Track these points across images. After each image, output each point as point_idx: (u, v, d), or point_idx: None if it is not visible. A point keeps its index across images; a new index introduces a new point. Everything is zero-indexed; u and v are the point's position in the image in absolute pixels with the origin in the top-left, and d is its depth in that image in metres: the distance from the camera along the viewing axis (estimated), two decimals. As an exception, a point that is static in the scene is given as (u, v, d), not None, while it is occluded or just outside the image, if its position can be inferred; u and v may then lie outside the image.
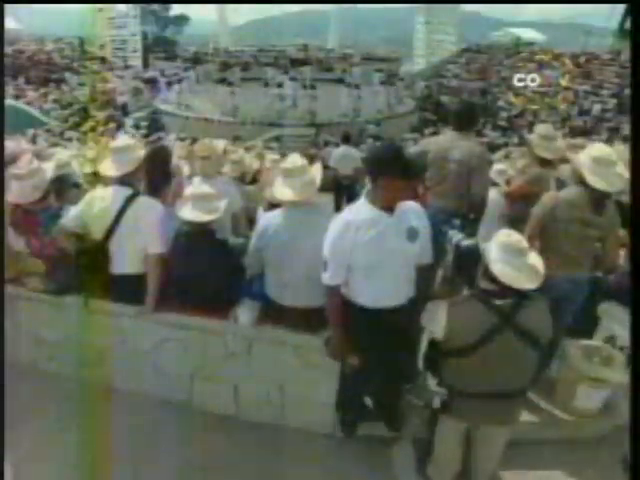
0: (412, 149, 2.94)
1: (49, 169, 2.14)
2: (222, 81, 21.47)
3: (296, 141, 12.95)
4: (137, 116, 17.25)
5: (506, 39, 29.57)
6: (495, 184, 3.39)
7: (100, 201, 2.00)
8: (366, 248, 1.62)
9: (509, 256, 1.44)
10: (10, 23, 24.68)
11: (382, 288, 1.70)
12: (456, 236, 1.67)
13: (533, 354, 1.51)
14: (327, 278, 1.70)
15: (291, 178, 1.90)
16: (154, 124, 15.62)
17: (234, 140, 13.55)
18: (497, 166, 3.45)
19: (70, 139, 11.00)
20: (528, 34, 29.15)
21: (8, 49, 21.77)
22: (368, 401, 2.24)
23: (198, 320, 2.13)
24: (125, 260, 2.06)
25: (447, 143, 2.59)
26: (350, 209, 1.70)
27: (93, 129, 12.98)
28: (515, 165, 4.53)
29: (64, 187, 2.46)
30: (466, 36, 32.82)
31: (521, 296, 1.46)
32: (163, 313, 2.15)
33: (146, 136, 15.26)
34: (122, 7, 28.46)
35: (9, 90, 16.84)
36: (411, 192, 1.62)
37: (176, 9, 38.79)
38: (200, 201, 1.99)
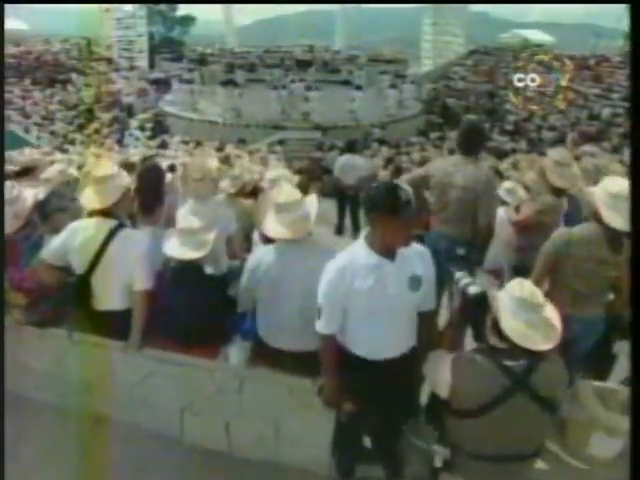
0: (414, 173, 2.80)
1: (30, 197, 2.02)
2: (228, 82, 21.48)
3: (300, 144, 12.86)
4: (142, 117, 17.22)
5: (514, 41, 29.27)
6: (504, 202, 3.26)
7: (83, 232, 1.88)
8: (364, 296, 1.49)
9: (522, 311, 1.30)
10: (17, 23, 24.79)
11: (381, 338, 1.57)
12: (463, 279, 1.54)
13: (547, 416, 1.37)
14: (321, 326, 1.57)
15: (284, 213, 1.77)
16: (158, 126, 15.58)
17: (238, 143, 13.52)
18: (506, 184, 3.30)
19: (73, 142, 10.96)
20: (536, 36, 28.82)
21: (15, 50, 21.88)
22: (366, 441, 2.11)
23: (186, 357, 2.01)
24: (109, 296, 1.94)
25: (451, 167, 2.45)
26: (348, 252, 1.57)
27: (97, 131, 12.95)
28: (523, 178, 4.37)
29: (49, 212, 2.36)
30: (474, 37, 32.50)
31: (535, 356, 1.32)
32: (149, 349, 2.03)
33: (150, 138, 15.27)
34: (129, 7, 28.52)
35: (15, 91, 16.89)
36: (409, 232, 1.49)
37: (182, 10, 38.72)
38: (187, 236, 1.86)
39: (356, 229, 5.62)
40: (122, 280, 1.90)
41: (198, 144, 12.02)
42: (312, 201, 1.93)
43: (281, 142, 12.24)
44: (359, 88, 14.30)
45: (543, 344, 1.29)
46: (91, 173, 1.89)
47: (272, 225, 1.79)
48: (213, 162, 2.98)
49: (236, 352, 1.93)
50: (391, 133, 14.29)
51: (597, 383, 2.12)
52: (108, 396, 2.36)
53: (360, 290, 1.48)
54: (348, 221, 6.05)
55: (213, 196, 2.69)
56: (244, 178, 3.37)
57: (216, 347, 2.00)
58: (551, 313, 1.36)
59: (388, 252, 1.49)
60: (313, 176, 11.05)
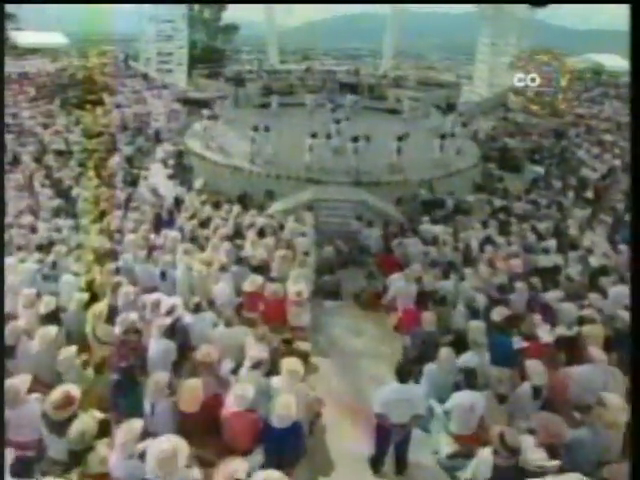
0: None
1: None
2: (263, 106, 19.97)
3: (337, 208, 10.95)
4: (167, 150, 15.93)
5: (585, 65, 26.10)
6: None
7: None
8: None
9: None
10: (57, 37, 24.35)
11: None
12: None
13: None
14: None
15: None
16: (181, 166, 14.14)
17: (266, 195, 11.84)
18: None
19: (75, 200, 9.55)
20: (612, 61, 25.49)
21: (51, 67, 21.28)
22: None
23: None
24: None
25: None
26: None
27: (110, 177, 11.59)
28: None
29: None
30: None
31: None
32: None
33: (171, 177, 13.87)
34: (169, 17, 27.50)
35: (39, 117, 15.97)
36: None
37: (226, 19, 37.68)
38: None
39: (400, 469, 3.70)
40: None
41: (216, 205, 10.38)
42: None
43: (310, 207, 10.34)
44: (400, 139, 12.26)
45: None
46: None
47: None
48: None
49: None
50: (442, 191, 12.14)
51: None
52: None
53: None
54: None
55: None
56: None
57: None
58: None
59: None
60: (347, 259, 9.17)
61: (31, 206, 9.18)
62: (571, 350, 4.71)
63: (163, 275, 6.30)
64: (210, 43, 37.06)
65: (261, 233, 8.39)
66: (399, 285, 6.20)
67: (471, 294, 6.11)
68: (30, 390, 3.70)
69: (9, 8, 25.35)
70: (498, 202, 11.04)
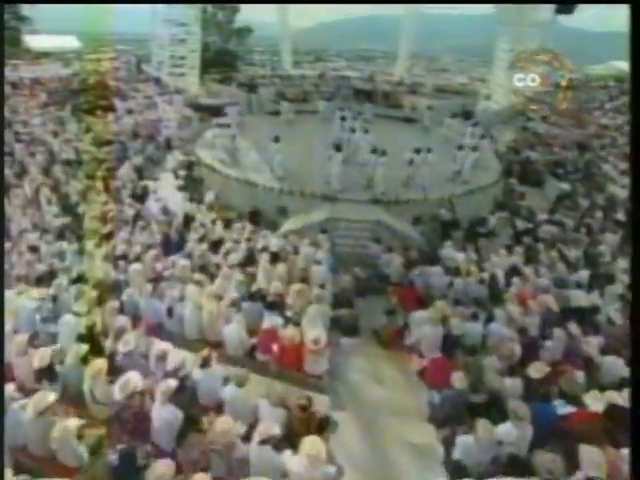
0: None
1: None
2: (277, 113, 19.57)
3: (353, 229, 10.47)
4: (178, 159, 15.58)
5: (608, 73, 25.28)
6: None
7: None
8: None
9: None
10: (69, 41, 24.22)
11: None
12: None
13: None
14: None
15: None
16: (192, 178, 13.76)
17: (279, 212, 11.44)
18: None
19: (81, 217, 9.20)
20: (636, 69, 24.57)
21: (63, 72, 21.11)
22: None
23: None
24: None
25: None
26: None
27: (118, 191, 11.24)
28: None
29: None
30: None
31: None
32: None
33: (182, 189, 13.51)
34: (183, 19, 27.18)
35: (48, 126, 15.74)
36: None
37: (239, 21, 37.38)
38: None
39: None
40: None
41: (227, 224, 9.98)
42: None
43: (325, 230, 9.81)
44: (418, 152, 11.82)
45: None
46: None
47: None
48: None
49: None
50: (463, 210, 11.59)
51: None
52: None
53: None
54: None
55: None
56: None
57: None
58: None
59: None
60: (365, 287, 8.68)
61: (35, 224, 8.85)
62: (622, 420, 4.18)
63: (170, 311, 5.90)
64: (223, 46, 36.78)
65: (274, 258, 7.96)
66: (424, 330, 5.72)
67: (502, 341, 5.60)
68: (17, 467, 3.32)
69: (24, 10, 25.35)
70: (522, 224, 10.44)
